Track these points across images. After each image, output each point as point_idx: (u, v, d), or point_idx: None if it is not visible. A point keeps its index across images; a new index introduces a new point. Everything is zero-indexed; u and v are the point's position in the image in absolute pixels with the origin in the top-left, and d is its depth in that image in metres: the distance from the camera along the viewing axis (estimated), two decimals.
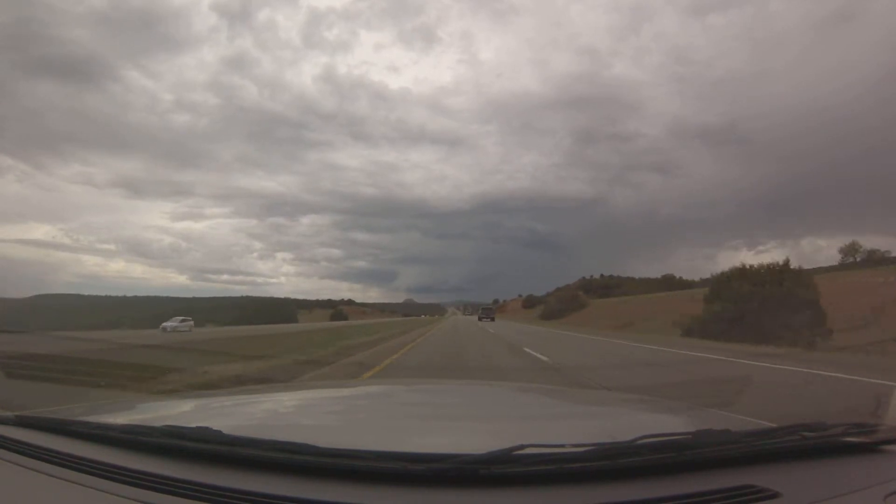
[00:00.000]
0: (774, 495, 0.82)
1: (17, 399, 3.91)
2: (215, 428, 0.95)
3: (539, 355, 11.49)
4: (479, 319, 50.41)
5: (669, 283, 68.11)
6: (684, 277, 75.84)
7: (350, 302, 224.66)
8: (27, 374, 5.49)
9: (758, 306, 17.79)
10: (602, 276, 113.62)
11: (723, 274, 21.75)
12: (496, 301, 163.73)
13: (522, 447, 0.84)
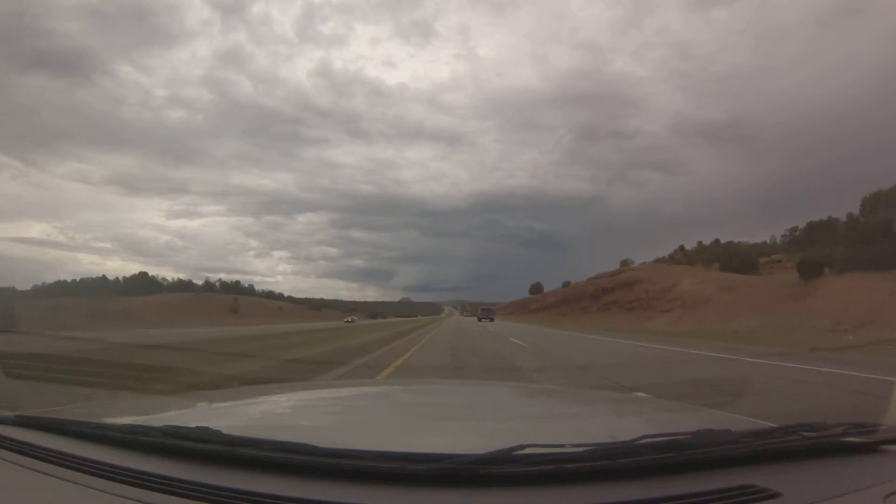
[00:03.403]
0: (774, 495, 0.82)
1: None
2: (215, 428, 0.95)
3: None
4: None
5: None
6: None
7: (250, 290, 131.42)
8: None
9: None
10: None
11: None
12: (568, 282, 76.45)
13: (522, 447, 0.84)
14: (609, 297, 47.89)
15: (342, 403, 1.80)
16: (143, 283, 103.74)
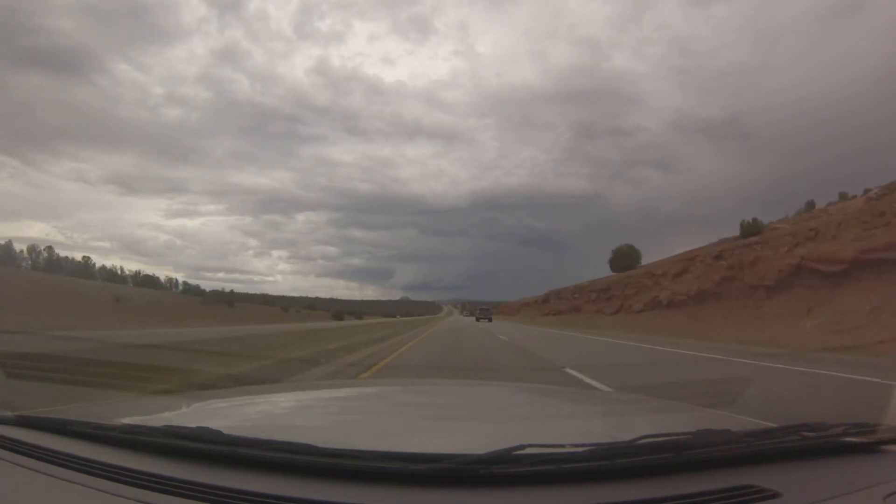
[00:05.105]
0: (774, 495, 0.82)
1: None
2: (215, 428, 0.95)
3: None
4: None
5: None
6: None
7: (90, 270, 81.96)
8: None
9: None
10: None
11: None
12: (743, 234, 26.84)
13: (522, 447, 0.84)
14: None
15: (342, 404, 1.80)
16: None
